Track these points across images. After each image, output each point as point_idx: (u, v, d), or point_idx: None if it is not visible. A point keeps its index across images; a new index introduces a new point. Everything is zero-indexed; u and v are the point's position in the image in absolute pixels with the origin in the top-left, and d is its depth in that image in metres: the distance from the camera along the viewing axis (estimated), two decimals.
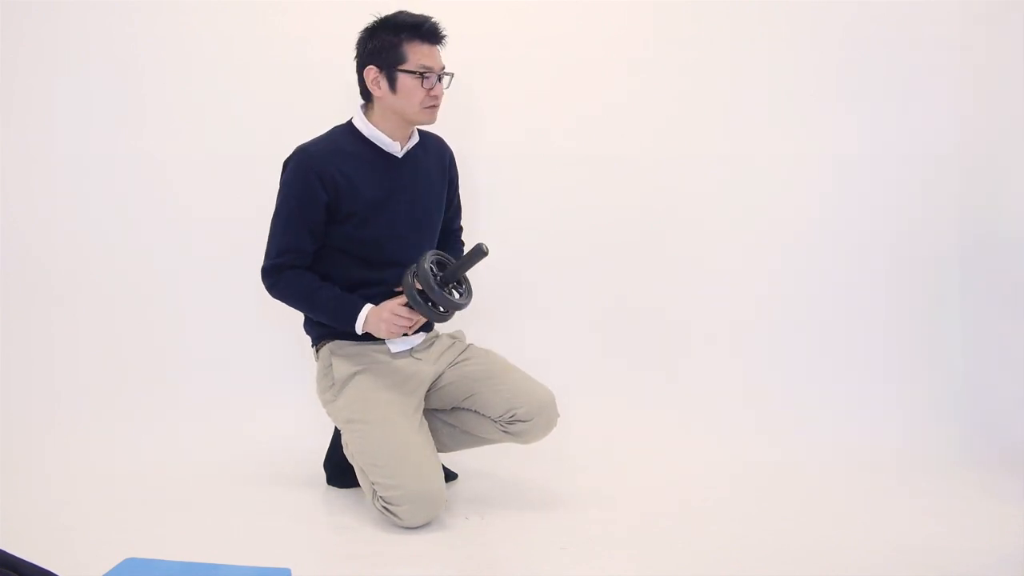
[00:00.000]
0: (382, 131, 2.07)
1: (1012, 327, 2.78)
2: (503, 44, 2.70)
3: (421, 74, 2.00)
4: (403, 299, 1.99)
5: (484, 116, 2.73)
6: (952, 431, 2.69)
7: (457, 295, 1.99)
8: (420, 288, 1.94)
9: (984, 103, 2.81)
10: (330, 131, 2.11)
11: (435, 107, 2.06)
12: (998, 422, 2.72)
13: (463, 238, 2.36)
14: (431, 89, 2.02)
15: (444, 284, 1.95)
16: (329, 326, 2.09)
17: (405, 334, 2.06)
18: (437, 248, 2.13)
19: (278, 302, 2.09)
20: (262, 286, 2.07)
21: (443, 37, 2.05)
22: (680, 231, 2.82)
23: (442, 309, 1.99)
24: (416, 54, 2.00)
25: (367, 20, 2.05)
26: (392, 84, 2.03)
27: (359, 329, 2.02)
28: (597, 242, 2.80)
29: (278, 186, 2.05)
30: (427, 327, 2.19)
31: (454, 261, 2.00)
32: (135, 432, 2.52)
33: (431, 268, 1.93)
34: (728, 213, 2.83)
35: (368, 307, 2.02)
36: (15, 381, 2.61)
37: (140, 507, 2.04)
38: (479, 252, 1.90)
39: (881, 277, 2.87)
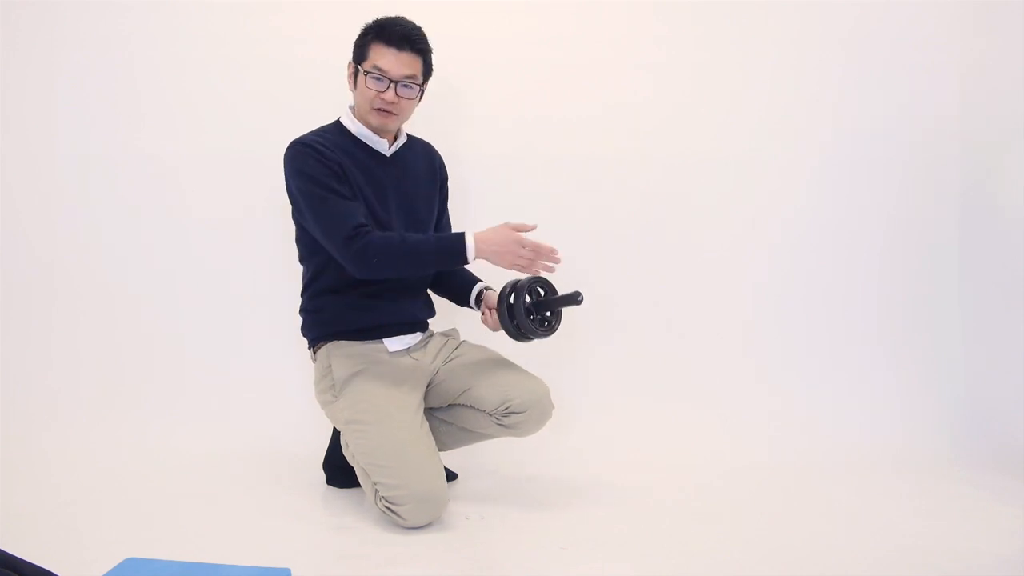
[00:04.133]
0: (367, 128, 2.08)
1: (1012, 327, 2.78)
2: (501, 45, 2.70)
3: (367, 73, 2.00)
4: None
5: (482, 116, 2.72)
6: (952, 430, 2.70)
7: (543, 325, 2.07)
8: (511, 307, 2.01)
9: (985, 104, 2.81)
10: (317, 129, 2.12)
11: (384, 112, 2.02)
12: (997, 422, 2.72)
13: None
14: (381, 92, 2.00)
15: (530, 313, 2.03)
16: (329, 327, 2.09)
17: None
18: None
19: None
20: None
21: (414, 45, 2.01)
22: (677, 230, 2.82)
23: (522, 331, 2.03)
24: (375, 54, 2.00)
25: (365, 19, 2.06)
26: (355, 81, 2.06)
27: (472, 256, 1.93)
28: (596, 240, 2.80)
29: (296, 187, 2.00)
30: (422, 327, 2.20)
31: (553, 293, 2.08)
32: (135, 432, 2.53)
33: (533, 291, 2.04)
34: (725, 214, 2.83)
35: (470, 234, 1.93)
36: (15, 381, 2.61)
37: (140, 507, 2.04)
38: (574, 299, 1.99)
39: (880, 277, 2.88)
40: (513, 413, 2.04)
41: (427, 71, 2.08)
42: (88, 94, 2.66)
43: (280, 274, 2.51)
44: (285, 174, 2.04)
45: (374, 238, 1.93)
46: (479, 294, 2.19)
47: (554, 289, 2.11)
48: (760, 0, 2.79)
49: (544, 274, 2.03)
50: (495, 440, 2.24)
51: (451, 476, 2.25)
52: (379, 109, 2.02)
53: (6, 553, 1.30)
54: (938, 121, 2.85)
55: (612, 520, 2.00)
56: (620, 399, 2.72)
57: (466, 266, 2.19)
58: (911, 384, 2.82)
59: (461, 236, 1.94)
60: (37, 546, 1.61)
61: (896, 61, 2.82)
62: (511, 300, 2.01)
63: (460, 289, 2.23)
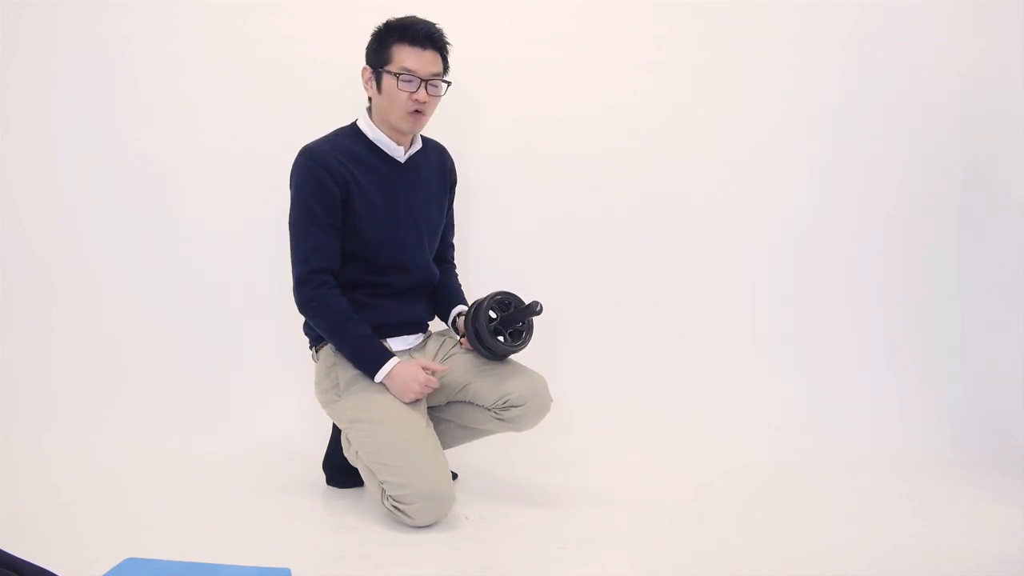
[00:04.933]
0: (384, 134, 2.07)
1: (1012, 327, 2.78)
2: (501, 45, 2.69)
3: (398, 75, 1.98)
4: (425, 363, 2.05)
5: (482, 116, 2.72)
6: (952, 430, 2.70)
7: (512, 340, 2.10)
8: (477, 330, 2.06)
9: (985, 105, 2.81)
10: (333, 132, 2.11)
11: (417, 113, 2.02)
12: (997, 422, 2.72)
13: (455, 259, 2.37)
14: (413, 93, 2.00)
15: (496, 333, 2.07)
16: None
17: None
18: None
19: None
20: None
21: (437, 43, 2.01)
22: (677, 230, 2.82)
23: (494, 352, 2.08)
24: (401, 56, 1.99)
25: (365, 19, 2.06)
26: (379, 85, 2.03)
27: (378, 379, 2.01)
28: (596, 240, 2.80)
29: (291, 194, 2.03)
30: (421, 328, 2.22)
31: (514, 305, 2.11)
32: (135, 432, 2.52)
33: (487, 316, 2.07)
34: (725, 214, 2.83)
35: (395, 360, 2.01)
36: (15, 381, 2.61)
37: (140, 507, 2.04)
38: (533, 310, 2.03)
39: (881, 277, 2.87)
40: (512, 407, 2.04)
41: (446, 68, 2.08)
42: (88, 94, 2.65)
43: (280, 274, 2.50)
44: (289, 178, 2.05)
45: (322, 295, 2.00)
46: (455, 319, 2.23)
47: (519, 300, 2.13)
48: (760, 0, 2.79)
49: (508, 287, 2.14)
50: (495, 440, 2.24)
51: (451, 476, 2.25)
52: (412, 111, 2.01)
53: (6, 553, 1.30)
54: (938, 121, 2.84)
55: (612, 520, 2.01)
56: (620, 399, 2.72)
57: (458, 279, 2.33)
58: (911, 384, 2.81)
59: (382, 360, 2.00)
60: (37, 546, 1.60)
61: (896, 61, 2.82)
62: (475, 325, 2.07)
63: (443, 309, 2.27)
